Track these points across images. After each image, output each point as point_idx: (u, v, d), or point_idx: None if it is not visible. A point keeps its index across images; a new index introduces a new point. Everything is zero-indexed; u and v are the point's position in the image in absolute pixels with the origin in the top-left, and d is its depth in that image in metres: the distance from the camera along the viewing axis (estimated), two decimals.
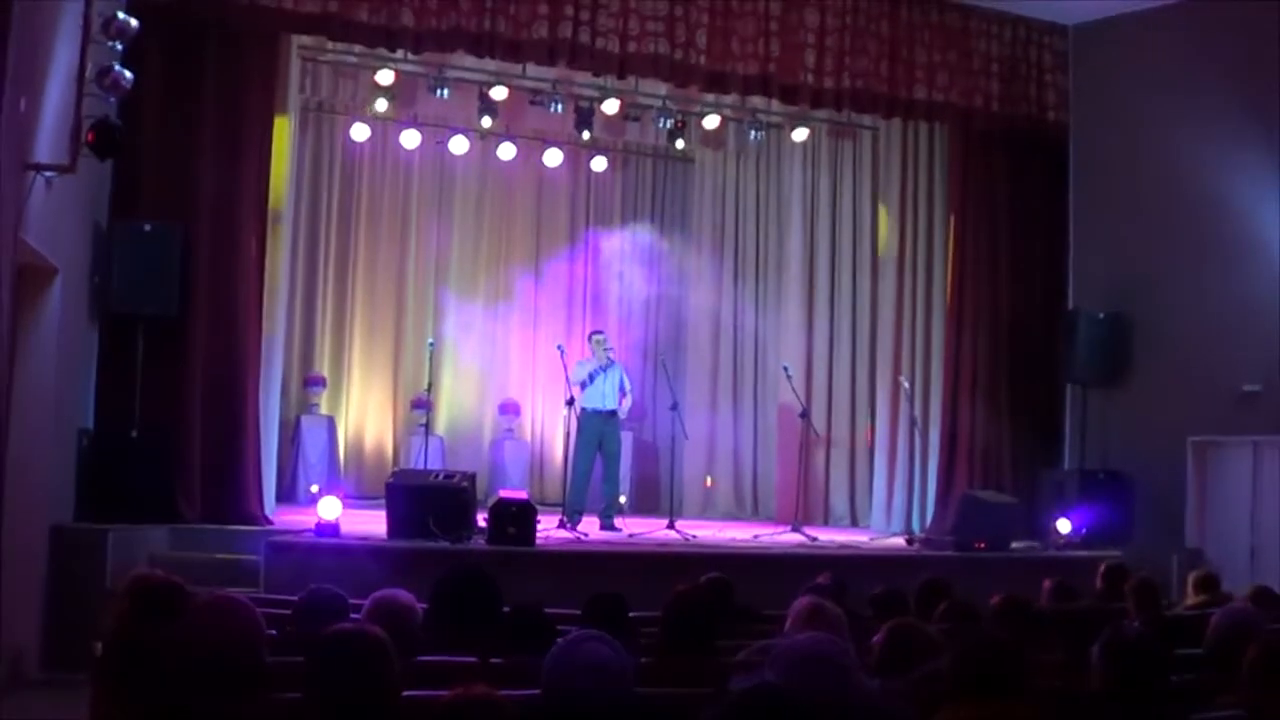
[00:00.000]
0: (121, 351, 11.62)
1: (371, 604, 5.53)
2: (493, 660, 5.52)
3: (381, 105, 15.44)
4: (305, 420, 16.47)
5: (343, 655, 3.85)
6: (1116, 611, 8.15)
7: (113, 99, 9.65)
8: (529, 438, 17.97)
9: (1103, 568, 10.16)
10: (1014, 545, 13.15)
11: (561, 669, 4.11)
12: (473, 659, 5.49)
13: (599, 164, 17.91)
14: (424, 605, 5.83)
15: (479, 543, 11.10)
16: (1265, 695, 5.22)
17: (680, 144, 17.05)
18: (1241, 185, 13.36)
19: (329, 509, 11.07)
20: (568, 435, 13.75)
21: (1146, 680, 4.85)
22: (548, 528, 12.23)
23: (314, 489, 13.43)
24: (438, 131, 16.96)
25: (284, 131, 12.97)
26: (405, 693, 4.11)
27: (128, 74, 9.57)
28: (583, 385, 13.70)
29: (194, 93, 12.19)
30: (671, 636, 6.32)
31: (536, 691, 4.18)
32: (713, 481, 15.35)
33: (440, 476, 11.84)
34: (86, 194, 10.89)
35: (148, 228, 11.57)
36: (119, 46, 9.59)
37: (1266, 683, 5.25)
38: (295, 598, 6.50)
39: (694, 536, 13.02)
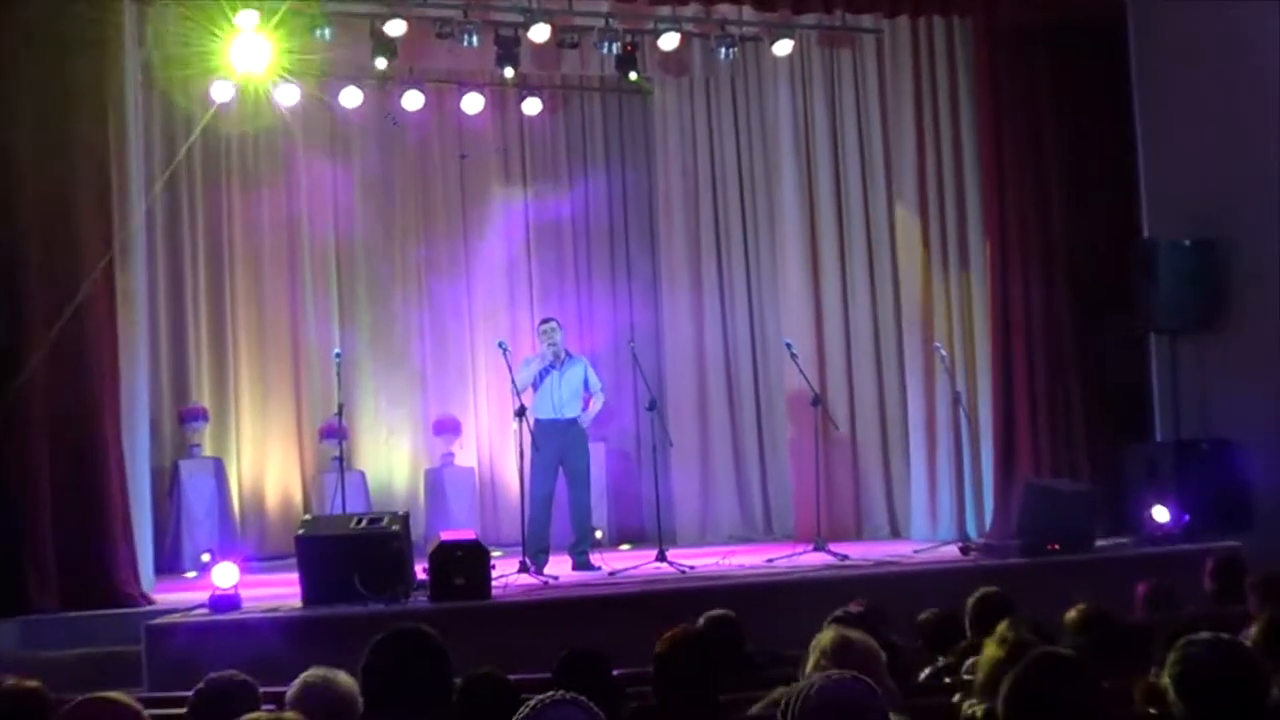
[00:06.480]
0: None
1: (299, 689, 5.56)
2: None
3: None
4: (185, 466, 16.38)
5: None
6: (1234, 616, 8.27)
7: None
8: (474, 462, 18.02)
9: (1211, 563, 10.30)
10: (1097, 544, 13.31)
11: None
12: None
13: (532, 106, 17.94)
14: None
15: (420, 600, 11.20)
16: None
17: (633, 73, 17.05)
18: None
19: (224, 576, 11.13)
20: (521, 454, 13.81)
21: (1239, 706, 4.92)
22: (505, 574, 12.38)
23: (205, 558, 13.47)
24: (322, 83, 16.97)
25: (123, 102, 12.96)
26: None
27: None
28: (534, 387, 13.76)
29: (7, 71, 12.18)
30: (665, 693, 6.42)
31: None
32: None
33: (364, 522, 11.89)
34: None
35: None
36: None
37: None
38: (190, 692, 6.55)
39: (691, 568, 13.13)
